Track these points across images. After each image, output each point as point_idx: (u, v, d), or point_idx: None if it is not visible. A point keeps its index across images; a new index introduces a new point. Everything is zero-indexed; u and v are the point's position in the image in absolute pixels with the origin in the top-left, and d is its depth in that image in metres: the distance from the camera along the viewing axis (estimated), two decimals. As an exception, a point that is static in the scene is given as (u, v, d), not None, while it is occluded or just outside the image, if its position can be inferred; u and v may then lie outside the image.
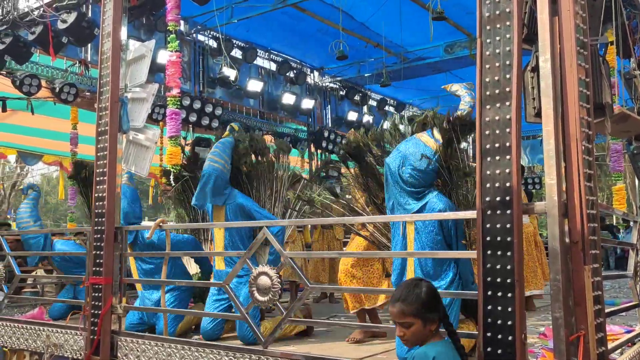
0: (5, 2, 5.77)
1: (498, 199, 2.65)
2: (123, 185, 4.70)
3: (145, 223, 4.87)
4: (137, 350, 4.14)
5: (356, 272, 4.22)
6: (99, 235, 4.40)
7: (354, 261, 4.25)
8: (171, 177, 5.30)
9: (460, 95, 3.79)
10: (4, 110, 9.49)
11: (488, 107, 2.74)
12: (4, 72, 7.73)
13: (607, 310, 2.80)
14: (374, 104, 13.13)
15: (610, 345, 2.80)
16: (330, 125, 12.47)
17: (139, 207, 4.99)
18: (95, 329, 4.27)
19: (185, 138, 9.22)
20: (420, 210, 3.47)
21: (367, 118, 12.66)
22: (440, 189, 3.65)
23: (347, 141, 4.30)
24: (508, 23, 2.74)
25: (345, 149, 4.28)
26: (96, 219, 4.45)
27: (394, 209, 3.62)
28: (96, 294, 4.34)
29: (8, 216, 24.46)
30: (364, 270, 4.25)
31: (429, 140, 3.61)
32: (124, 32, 4.67)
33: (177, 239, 4.79)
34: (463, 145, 3.70)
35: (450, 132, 3.58)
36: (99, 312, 4.27)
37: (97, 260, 4.37)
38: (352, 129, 4.88)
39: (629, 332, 3.79)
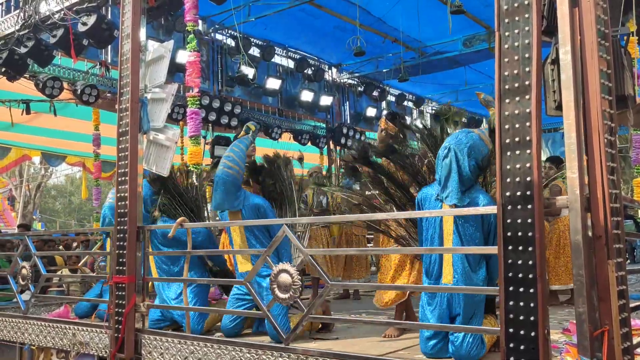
0: (27, 7, 5.86)
1: (519, 193, 2.62)
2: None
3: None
4: (161, 348, 4.20)
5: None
6: (121, 235, 4.46)
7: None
8: (194, 176, 5.34)
9: (492, 106, 3.77)
10: (28, 112, 9.67)
11: (507, 101, 2.72)
12: (27, 75, 7.86)
13: (631, 305, 2.76)
14: (393, 99, 13.09)
15: (635, 340, 2.75)
16: (348, 122, 12.46)
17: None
18: (120, 327, 4.33)
19: (205, 137, 9.29)
20: (467, 205, 3.40)
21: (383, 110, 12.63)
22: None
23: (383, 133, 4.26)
24: (527, 15, 2.70)
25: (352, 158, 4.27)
26: (119, 219, 4.51)
27: (426, 201, 3.59)
28: (120, 293, 4.40)
29: (34, 217, 24.93)
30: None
31: (487, 139, 3.57)
32: (143, 33, 4.71)
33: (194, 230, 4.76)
34: None
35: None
36: (123, 310, 4.33)
37: (120, 260, 4.43)
38: (383, 118, 4.80)
39: (654, 326, 3.73)
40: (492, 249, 2.89)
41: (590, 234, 2.54)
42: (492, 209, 2.85)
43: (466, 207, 3.36)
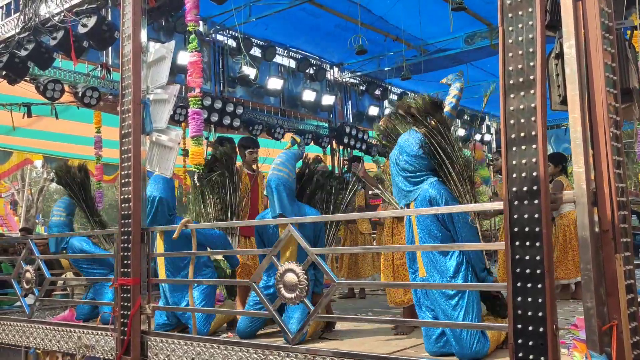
0: (27, 9, 5.85)
1: (525, 189, 2.61)
2: (156, 175, 4.73)
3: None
4: (167, 350, 4.19)
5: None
6: (126, 237, 4.46)
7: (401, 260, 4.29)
8: (195, 177, 5.32)
9: (450, 84, 3.90)
10: (29, 115, 9.64)
11: (512, 96, 2.70)
12: (28, 78, 7.85)
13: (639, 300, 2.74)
14: (395, 98, 13.06)
15: (644, 335, 2.74)
16: (351, 121, 12.44)
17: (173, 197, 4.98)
18: (125, 329, 4.32)
19: (207, 138, 9.28)
20: (417, 197, 3.57)
21: (389, 112, 12.60)
22: (438, 176, 3.69)
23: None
24: (530, 10, 2.69)
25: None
26: (122, 221, 4.50)
27: (400, 200, 3.76)
28: (125, 295, 4.39)
29: (37, 221, 24.94)
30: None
31: (422, 129, 3.73)
32: (143, 34, 4.70)
33: (205, 231, 4.76)
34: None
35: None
36: (129, 312, 4.33)
37: (125, 262, 4.42)
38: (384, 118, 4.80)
39: (663, 321, 3.71)
40: (499, 245, 2.88)
41: (597, 228, 2.52)
42: (499, 205, 2.84)
43: (417, 200, 3.54)
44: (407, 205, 3.66)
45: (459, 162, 3.62)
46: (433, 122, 3.67)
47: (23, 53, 6.15)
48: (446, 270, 3.42)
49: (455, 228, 3.47)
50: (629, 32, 4.49)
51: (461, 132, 12.61)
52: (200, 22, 9.23)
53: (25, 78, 7.38)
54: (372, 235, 7.59)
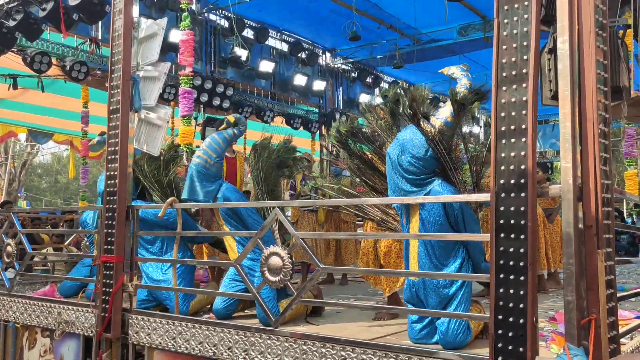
0: (16, -21, 5.75)
1: (512, 181, 2.63)
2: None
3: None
4: (148, 328, 4.18)
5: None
6: (110, 214, 4.43)
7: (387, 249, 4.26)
8: (184, 156, 5.29)
9: (457, 78, 3.68)
10: (15, 87, 9.52)
11: (504, 88, 2.71)
12: (15, 50, 7.73)
13: (618, 295, 2.78)
14: (386, 86, 13.05)
15: (620, 330, 2.78)
16: (341, 107, 12.43)
17: None
18: (107, 306, 4.31)
19: (196, 118, 9.22)
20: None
21: (379, 100, 12.59)
22: (442, 176, 3.57)
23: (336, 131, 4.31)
24: (526, 3, 2.69)
25: (335, 139, 4.31)
26: (108, 198, 4.47)
27: (396, 196, 3.59)
28: (107, 272, 4.37)
29: (19, 195, 24.68)
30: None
31: (426, 127, 3.52)
32: (135, 9, 4.64)
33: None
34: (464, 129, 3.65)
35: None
36: (110, 290, 4.31)
37: (109, 239, 4.40)
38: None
39: (639, 317, 3.77)
40: (485, 237, 2.90)
41: (580, 224, 2.55)
42: (486, 197, 2.85)
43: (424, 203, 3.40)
44: (406, 207, 3.52)
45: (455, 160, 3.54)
46: (437, 122, 3.48)
47: (11, 23, 6.06)
48: (443, 281, 3.35)
49: (466, 228, 3.37)
50: (621, 31, 4.51)
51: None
52: (193, 0, 9.13)
53: (12, 49, 7.26)
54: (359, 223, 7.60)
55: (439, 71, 4.15)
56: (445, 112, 3.48)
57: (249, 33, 10.23)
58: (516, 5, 2.72)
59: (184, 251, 4.76)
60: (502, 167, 2.66)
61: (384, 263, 4.24)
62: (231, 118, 4.63)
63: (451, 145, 3.52)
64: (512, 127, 2.66)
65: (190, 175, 4.45)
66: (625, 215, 14.94)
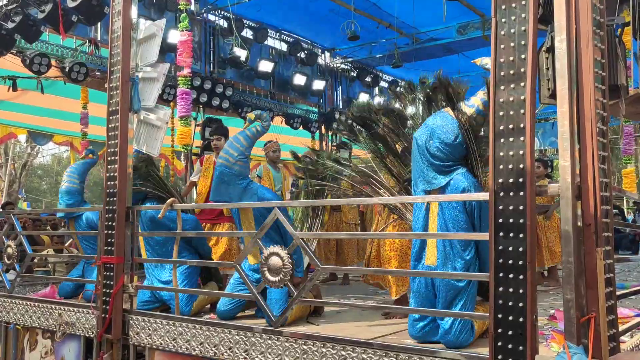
0: (15, -19, 5.75)
1: (511, 180, 2.63)
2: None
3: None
4: (149, 329, 4.19)
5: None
6: (110, 215, 4.43)
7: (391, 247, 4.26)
8: (182, 157, 5.29)
9: (489, 69, 3.68)
10: (15, 89, 9.52)
11: (502, 87, 2.72)
12: (14, 51, 7.73)
13: (618, 293, 2.79)
14: (385, 85, 13.06)
15: (620, 328, 2.79)
16: (341, 107, 12.43)
17: None
18: (107, 307, 4.31)
19: (195, 119, 9.22)
20: (445, 186, 3.42)
21: (378, 99, 12.60)
22: (468, 166, 3.56)
23: (353, 108, 4.22)
24: (524, 2, 2.70)
25: (352, 116, 4.20)
26: (107, 199, 4.47)
27: (417, 184, 3.58)
28: (108, 273, 4.38)
29: (20, 196, 24.70)
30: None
31: (457, 114, 3.52)
32: (134, 10, 4.64)
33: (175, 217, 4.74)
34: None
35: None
36: (111, 291, 4.31)
37: (109, 240, 4.40)
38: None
39: (639, 315, 3.78)
40: (483, 235, 2.90)
41: (579, 222, 2.55)
42: (485, 196, 2.86)
43: (446, 188, 3.39)
44: (427, 192, 3.50)
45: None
46: (468, 109, 3.46)
47: (10, 25, 6.07)
48: (459, 265, 3.33)
49: (481, 223, 3.35)
50: (619, 29, 4.52)
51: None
52: (192, 1, 9.13)
53: (12, 51, 7.27)
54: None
55: (472, 61, 4.11)
56: (477, 100, 3.50)
57: (248, 33, 10.23)
58: (513, 5, 2.72)
59: (192, 255, 4.76)
60: (501, 166, 2.67)
61: (388, 265, 4.24)
62: (251, 115, 4.52)
63: (479, 134, 3.51)
64: (511, 126, 2.67)
65: (215, 176, 4.32)
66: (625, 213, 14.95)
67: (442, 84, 3.72)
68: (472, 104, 3.50)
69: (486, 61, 3.61)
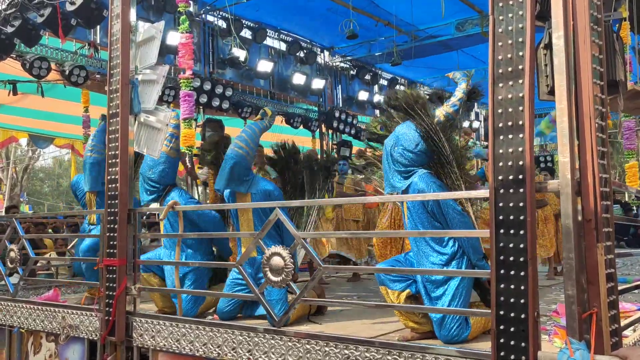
0: (13, -15, 5.76)
1: (511, 177, 2.64)
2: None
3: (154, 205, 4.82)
4: (152, 331, 4.20)
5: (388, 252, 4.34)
6: (112, 217, 4.44)
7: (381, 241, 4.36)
8: (187, 158, 5.30)
9: (458, 82, 3.87)
10: (15, 93, 9.53)
11: (501, 85, 2.72)
12: (14, 55, 7.74)
13: (619, 288, 2.79)
14: (385, 83, 13.06)
15: (622, 322, 2.79)
16: (341, 105, 12.43)
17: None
18: (110, 310, 4.33)
19: (196, 120, 9.23)
20: (407, 189, 3.58)
21: (378, 98, 12.61)
22: (433, 170, 3.70)
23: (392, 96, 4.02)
24: (521, 0, 2.70)
25: (394, 103, 3.95)
26: (109, 201, 4.48)
27: (386, 187, 3.78)
28: (110, 276, 4.39)
29: (21, 199, 24.74)
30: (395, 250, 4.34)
31: (420, 124, 3.69)
32: (133, 13, 4.64)
33: (203, 212, 4.70)
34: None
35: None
36: (114, 293, 4.33)
37: (111, 242, 4.42)
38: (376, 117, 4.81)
39: (641, 309, 3.78)
40: (485, 232, 2.91)
41: (579, 217, 2.56)
42: (485, 193, 2.87)
43: (408, 191, 3.56)
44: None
45: (452, 154, 3.62)
46: (427, 121, 3.63)
47: (9, 29, 6.07)
48: (436, 261, 3.43)
49: (446, 220, 3.44)
50: (617, 24, 4.52)
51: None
52: (191, 2, 9.13)
53: (11, 55, 7.28)
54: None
55: (445, 75, 4.29)
56: (453, 99, 3.76)
57: (246, 33, 10.23)
58: (511, 2, 2.73)
59: (207, 256, 4.75)
60: (501, 164, 2.68)
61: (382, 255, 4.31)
62: (269, 111, 4.60)
63: (449, 135, 3.65)
64: (510, 124, 2.67)
65: (227, 166, 4.28)
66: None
67: (402, 97, 3.86)
68: (451, 103, 3.76)
69: (457, 75, 3.87)
